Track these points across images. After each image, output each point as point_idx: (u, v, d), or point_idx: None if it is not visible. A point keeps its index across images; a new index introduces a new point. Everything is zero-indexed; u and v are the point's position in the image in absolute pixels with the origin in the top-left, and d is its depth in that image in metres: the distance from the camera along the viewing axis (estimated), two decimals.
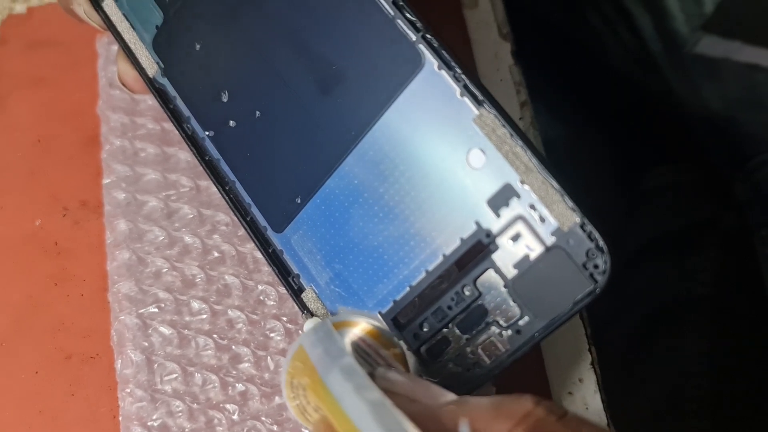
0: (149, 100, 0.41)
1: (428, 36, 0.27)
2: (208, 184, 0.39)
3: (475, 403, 0.25)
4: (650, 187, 0.68)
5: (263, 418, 0.34)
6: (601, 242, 0.25)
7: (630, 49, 0.69)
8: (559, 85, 0.77)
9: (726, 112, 0.64)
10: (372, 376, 0.25)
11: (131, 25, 0.36)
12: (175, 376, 0.35)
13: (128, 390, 0.34)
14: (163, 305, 0.36)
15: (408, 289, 0.29)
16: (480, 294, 0.27)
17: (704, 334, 0.58)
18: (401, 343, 0.29)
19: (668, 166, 0.69)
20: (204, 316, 0.36)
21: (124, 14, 0.36)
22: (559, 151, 0.74)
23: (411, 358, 0.29)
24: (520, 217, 0.26)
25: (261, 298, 0.37)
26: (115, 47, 0.42)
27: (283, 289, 0.34)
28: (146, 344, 0.35)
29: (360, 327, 0.28)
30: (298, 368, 0.26)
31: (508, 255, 0.27)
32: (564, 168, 0.67)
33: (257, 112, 0.32)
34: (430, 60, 0.27)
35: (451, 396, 0.25)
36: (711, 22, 0.66)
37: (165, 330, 0.36)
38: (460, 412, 0.24)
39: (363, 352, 0.27)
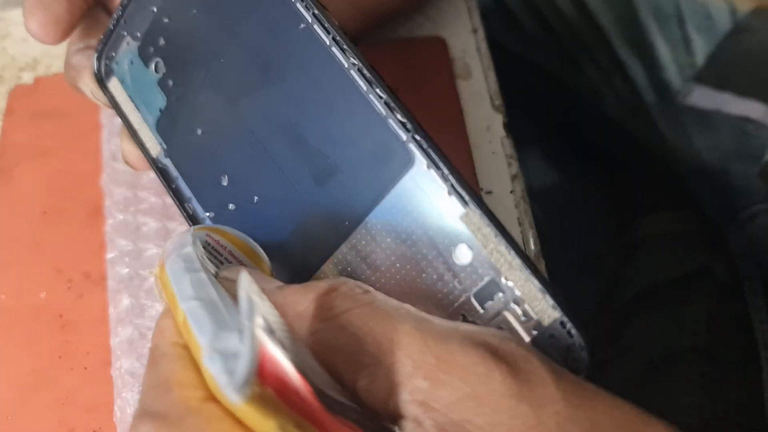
0: (151, 174, 0.42)
1: (417, 137, 0.28)
2: None
3: (295, 285, 0.27)
4: (644, 235, 0.69)
5: None
6: (580, 339, 0.26)
7: (624, 98, 0.70)
8: (554, 133, 0.79)
9: (718, 162, 0.65)
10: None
11: (136, 106, 0.37)
12: None
13: None
14: None
15: None
16: None
17: (696, 385, 0.58)
18: (260, 249, 0.32)
19: (662, 214, 0.69)
20: None
21: (129, 96, 0.37)
22: (554, 197, 0.75)
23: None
24: (505, 311, 0.27)
25: None
26: (119, 120, 0.43)
27: None
28: None
29: (216, 231, 0.31)
30: (158, 264, 0.29)
31: None
32: (558, 214, 0.68)
33: (255, 198, 0.33)
34: (420, 159, 0.28)
35: (279, 284, 0.28)
36: (702, 74, 0.67)
37: None
38: (278, 293, 0.27)
39: (215, 251, 0.30)
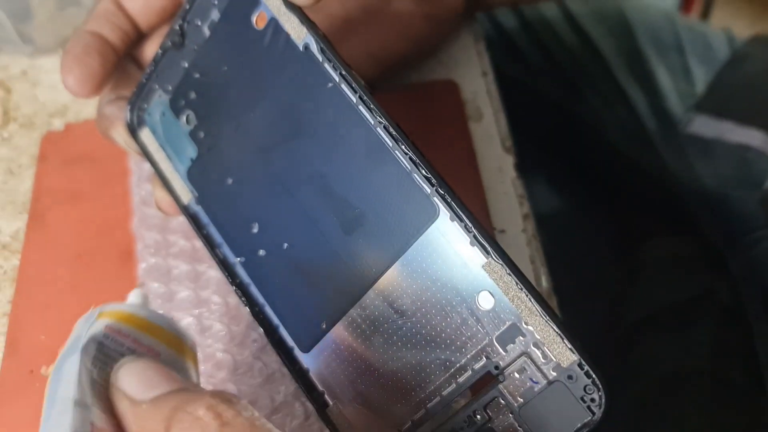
0: (180, 218, 0.44)
1: (441, 191, 0.30)
2: (237, 302, 0.42)
3: (159, 402, 0.27)
4: (647, 259, 0.70)
5: None
6: (597, 379, 0.28)
7: (626, 127, 0.71)
8: (558, 160, 0.80)
9: (719, 189, 0.66)
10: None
11: (167, 155, 0.39)
12: None
13: None
14: None
15: (424, 411, 0.32)
16: (489, 418, 0.30)
17: (703, 408, 0.59)
18: (177, 326, 0.32)
19: (665, 238, 0.71)
20: None
21: (160, 145, 0.39)
22: (559, 221, 0.77)
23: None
24: (525, 353, 0.29)
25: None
26: (147, 165, 0.45)
27: (309, 404, 0.36)
28: None
29: (119, 317, 0.30)
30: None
31: (515, 386, 0.29)
32: (563, 238, 0.69)
33: (285, 244, 0.35)
34: (444, 211, 0.30)
35: (163, 390, 0.27)
36: (702, 103, 0.69)
37: None
38: (138, 412, 0.27)
39: (115, 343, 0.29)
